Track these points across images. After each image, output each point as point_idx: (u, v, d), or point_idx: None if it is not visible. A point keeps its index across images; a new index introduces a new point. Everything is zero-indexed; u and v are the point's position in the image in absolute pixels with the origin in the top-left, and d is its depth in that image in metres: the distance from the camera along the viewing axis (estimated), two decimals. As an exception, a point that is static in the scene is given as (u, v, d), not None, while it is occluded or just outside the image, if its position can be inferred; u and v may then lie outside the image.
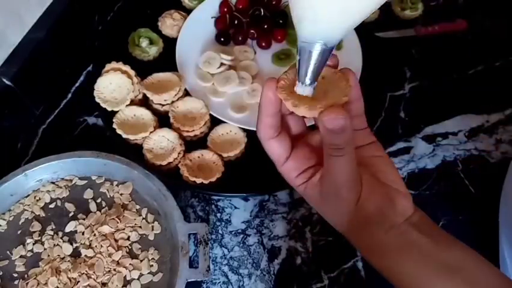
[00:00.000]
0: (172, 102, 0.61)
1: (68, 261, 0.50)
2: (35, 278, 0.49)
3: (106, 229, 0.51)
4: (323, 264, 0.56)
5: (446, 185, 0.62)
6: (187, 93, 0.64)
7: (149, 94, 0.61)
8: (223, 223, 0.58)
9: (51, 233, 0.52)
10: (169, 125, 0.60)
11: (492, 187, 0.58)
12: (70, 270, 0.49)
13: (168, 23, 0.71)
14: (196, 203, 0.60)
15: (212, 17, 0.73)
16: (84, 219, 0.53)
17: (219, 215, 0.59)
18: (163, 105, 0.62)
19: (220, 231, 0.58)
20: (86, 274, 0.49)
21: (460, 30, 0.76)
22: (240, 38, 0.71)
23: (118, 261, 0.50)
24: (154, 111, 0.62)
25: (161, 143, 0.59)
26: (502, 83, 0.72)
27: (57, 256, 0.50)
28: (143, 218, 0.54)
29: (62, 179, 0.56)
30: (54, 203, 0.55)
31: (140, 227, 0.53)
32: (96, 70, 0.64)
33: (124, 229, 0.52)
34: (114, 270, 0.49)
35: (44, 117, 0.65)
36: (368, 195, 0.34)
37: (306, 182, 0.36)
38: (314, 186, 0.36)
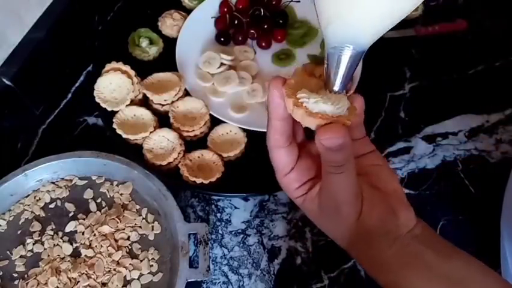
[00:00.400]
0: (172, 102, 0.61)
1: (68, 261, 0.50)
2: (35, 278, 0.48)
3: (106, 229, 0.51)
4: (323, 264, 0.56)
5: (446, 185, 0.62)
6: (187, 93, 0.64)
7: (149, 94, 0.61)
8: (223, 223, 0.58)
9: (51, 233, 0.52)
10: (169, 125, 0.60)
11: (492, 187, 0.58)
12: (70, 270, 0.49)
13: (168, 23, 0.71)
14: (196, 203, 0.60)
15: (212, 17, 0.73)
16: (84, 219, 0.53)
17: (219, 215, 0.59)
18: (163, 105, 0.62)
19: (220, 231, 0.58)
20: (86, 274, 0.49)
21: (460, 30, 0.76)
22: (240, 38, 0.71)
23: (118, 261, 0.50)
24: (154, 111, 0.62)
25: (161, 143, 0.59)
26: (502, 83, 0.72)
27: (57, 256, 0.50)
28: (143, 218, 0.53)
29: (62, 179, 0.56)
30: (54, 203, 0.55)
31: (140, 227, 0.53)
32: (96, 70, 0.64)
33: (124, 229, 0.52)
34: (114, 270, 0.49)
35: (44, 117, 0.65)
36: (369, 209, 0.33)
37: (305, 195, 0.35)
38: (313, 199, 0.34)
